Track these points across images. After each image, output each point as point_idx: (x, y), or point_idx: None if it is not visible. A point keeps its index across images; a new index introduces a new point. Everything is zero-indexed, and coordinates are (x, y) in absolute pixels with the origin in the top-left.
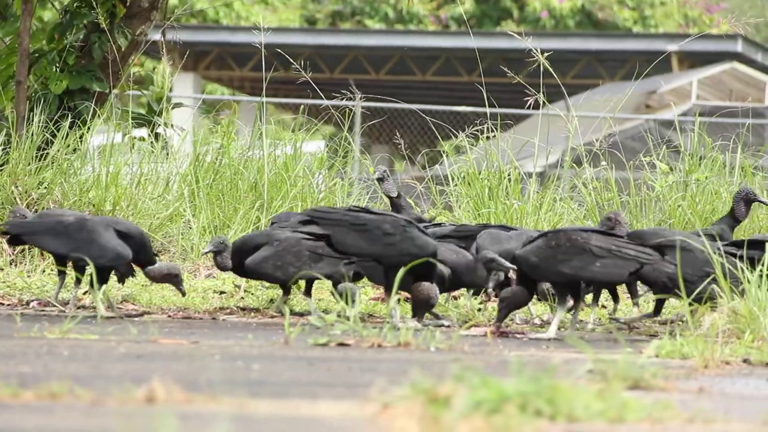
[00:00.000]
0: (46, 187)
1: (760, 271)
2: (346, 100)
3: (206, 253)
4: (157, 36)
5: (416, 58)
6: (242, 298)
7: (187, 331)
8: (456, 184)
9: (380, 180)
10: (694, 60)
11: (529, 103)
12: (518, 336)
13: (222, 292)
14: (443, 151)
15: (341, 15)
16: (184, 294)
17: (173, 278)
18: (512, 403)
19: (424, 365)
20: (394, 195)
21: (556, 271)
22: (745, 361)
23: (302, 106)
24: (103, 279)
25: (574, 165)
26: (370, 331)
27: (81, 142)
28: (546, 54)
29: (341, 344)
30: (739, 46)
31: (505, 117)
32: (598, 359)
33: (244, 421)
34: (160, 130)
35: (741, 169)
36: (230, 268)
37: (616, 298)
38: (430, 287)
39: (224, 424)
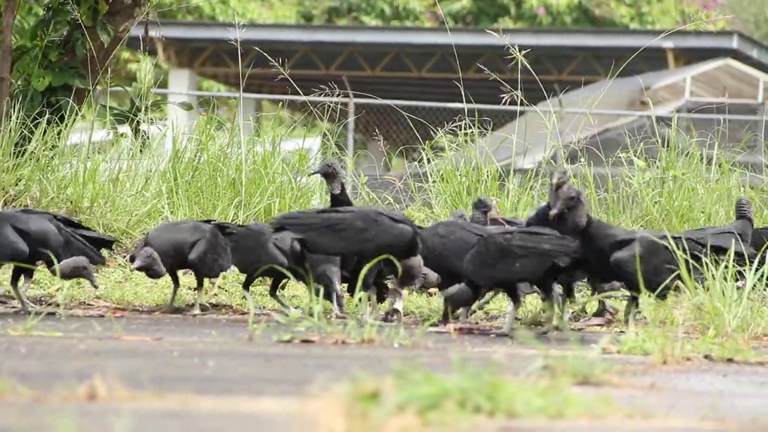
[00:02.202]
0: (24, 184)
1: (725, 266)
2: (327, 96)
3: (136, 269)
4: (140, 32)
5: (412, 54)
6: (215, 294)
7: (154, 327)
8: (434, 181)
9: (325, 175)
10: (690, 56)
11: (505, 100)
12: (485, 333)
13: (196, 288)
14: (422, 149)
15: (338, 11)
16: (96, 286)
17: (82, 271)
18: (451, 399)
19: (382, 362)
20: (337, 192)
21: (488, 276)
22: (706, 356)
23: (281, 102)
24: (17, 274)
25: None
26: (334, 328)
27: (59, 138)
28: (524, 51)
29: (306, 341)
30: (734, 43)
31: (500, 114)
32: (548, 355)
33: (180, 418)
34: (143, 126)
35: (718, 165)
36: (164, 274)
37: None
38: (415, 258)
39: (162, 420)
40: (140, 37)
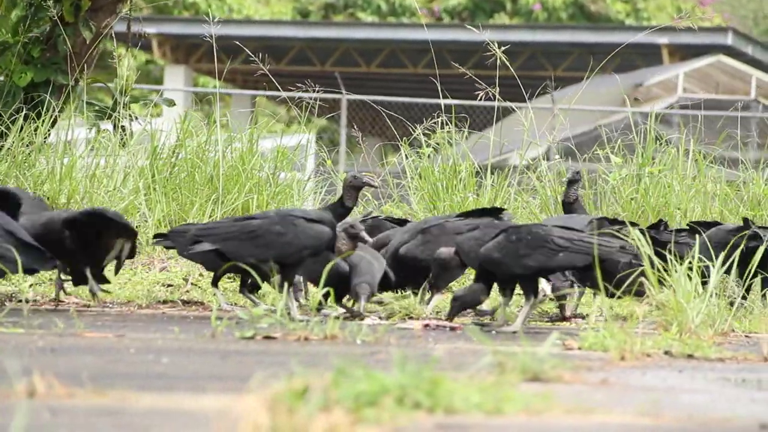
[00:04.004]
0: (0, 180)
1: (689, 263)
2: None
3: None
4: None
5: (407, 51)
6: (187, 291)
7: (120, 324)
8: (411, 178)
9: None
10: (684, 52)
11: (480, 96)
12: (455, 329)
13: (170, 285)
14: (400, 145)
15: (334, 8)
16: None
17: None
18: (390, 396)
19: (341, 358)
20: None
21: (522, 265)
22: (666, 353)
23: (256, 98)
24: None
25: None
26: (297, 324)
27: (36, 134)
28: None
29: (268, 337)
30: (729, 39)
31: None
32: (498, 351)
33: (113, 415)
34: (125, 122)
35: (694, 162)
36: None
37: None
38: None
39: (94, 417)
40: (132, 33)
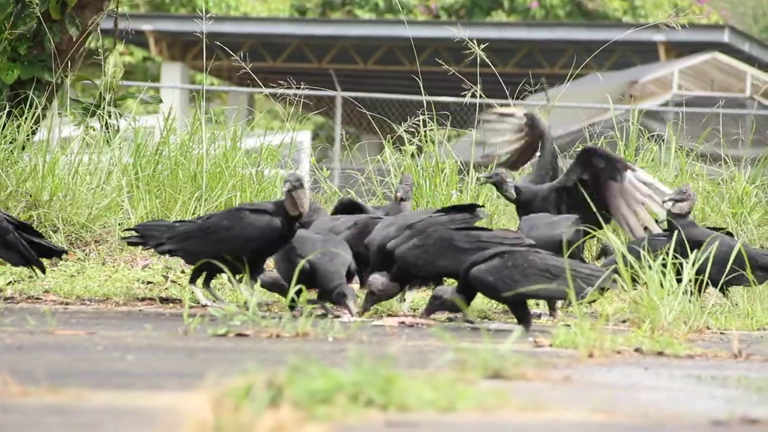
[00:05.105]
0: None
1: (663, 260)
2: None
3: None
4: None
5: (404, 48)
6: (166, 288)
7: (95, 321)
8: (395, 175)
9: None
10: (681, 50)
11: (465, 95)
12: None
13: (150, 282)
14: (384, 144)
15: (331, 5)
16: None
17: None
18: (344, 393)
19: (308, 355)
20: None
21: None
22: (637, 350)
23: (241, 96)
24: None
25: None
26: (269, 322)
27: (19, 131)
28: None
29: (240, 335)
30: (726, 37)
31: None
32: (461, 348)
33: (63, 413)
34: (112, 120)
35: (676, 159)
36: None
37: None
38: None
39: (44, 416)
40: (119, 30)
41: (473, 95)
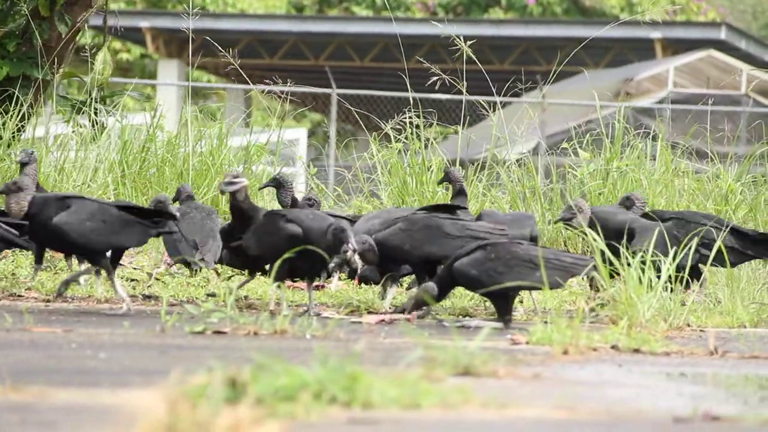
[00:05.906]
0: None
1: (642, 257)
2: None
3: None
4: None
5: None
6: (149, 285)
7: (74, 319)
8: (381, 173)
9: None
10: (677, 47)
11: (452, 92)
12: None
13: (134, 280)
14: (371, 141)
15: (329, 2)
16: None
17: None
18: (308, 391)
19: (282, 353)
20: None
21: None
22: (613, 347)
23: (234, 93)
24: None
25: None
26: (247, 319)
27: (4, 129)
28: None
29: (218, 332)
30: (722, 34)
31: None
32: (431, 346)
33: (23, 411)
34: (101, 117)
35: (660, 157)
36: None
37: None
38: None
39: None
40: (108, 27)
41: (459, 92)
